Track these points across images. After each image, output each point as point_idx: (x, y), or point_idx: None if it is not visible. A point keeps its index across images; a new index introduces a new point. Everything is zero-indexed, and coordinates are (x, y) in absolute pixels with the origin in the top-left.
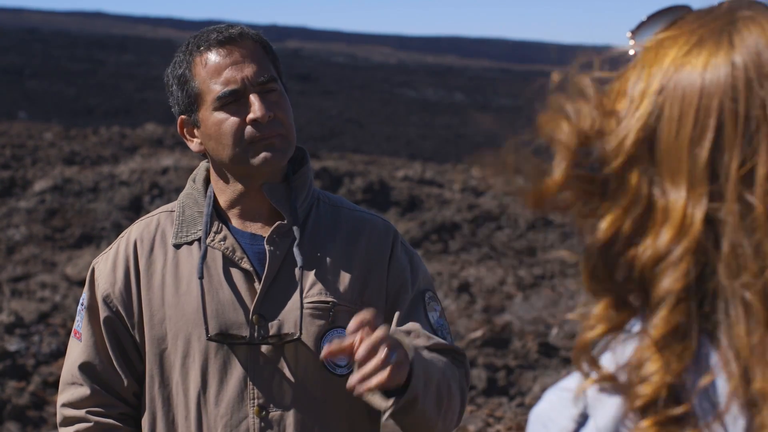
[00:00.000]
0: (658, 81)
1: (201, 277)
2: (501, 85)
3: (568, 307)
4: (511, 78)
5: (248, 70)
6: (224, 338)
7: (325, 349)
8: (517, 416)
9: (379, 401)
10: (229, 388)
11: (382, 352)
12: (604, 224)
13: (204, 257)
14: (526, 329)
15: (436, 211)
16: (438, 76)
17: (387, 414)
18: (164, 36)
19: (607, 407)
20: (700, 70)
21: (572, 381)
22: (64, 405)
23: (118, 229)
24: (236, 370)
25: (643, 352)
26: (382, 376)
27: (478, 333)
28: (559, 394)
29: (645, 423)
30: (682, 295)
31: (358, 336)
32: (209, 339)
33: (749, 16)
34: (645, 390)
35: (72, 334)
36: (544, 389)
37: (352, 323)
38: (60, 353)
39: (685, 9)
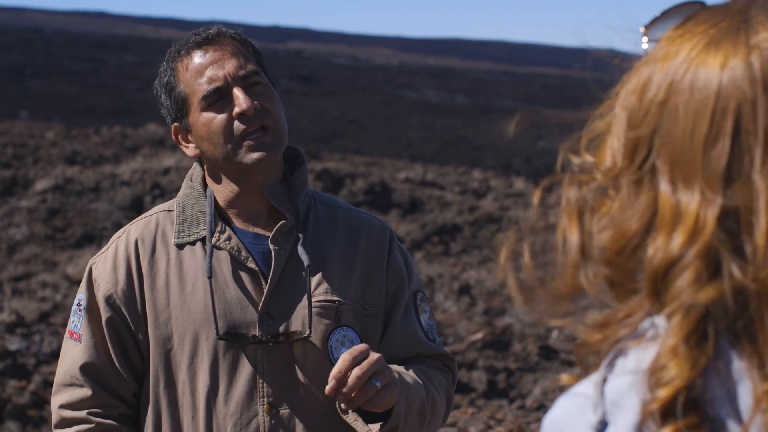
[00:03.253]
0: (670, 80)
1: (210, 277)
2: (503, 87)
3: (569, 309)
4: (512, 80)
5: (229, 66)
6: (234, 337)
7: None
8: (518, 419)
9: (361, 426)
10: (238, 387)
11: (362, 370)
12: (612, 229)
13: (211, 257)
14: (526, 332)
15: (437, 212)
16: (439, 78)
17: None
18: (166, 36)
19: (626, 413)
20: (717, 70)
21: (587, 386)
22: (62, 406)
23: (119, 228)
24: (245, 369)
25: (661, 358)
26: (361, 396)
27: (479, 335)
28: (575, 400)
29: (665, 430)
30: (697, 300)
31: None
32: (219, 338)
33: (764, 13)
34: (662, 394)
35: (67, 335)
36: (544, 392)
37: (346, 355)
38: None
39: (698, 5)
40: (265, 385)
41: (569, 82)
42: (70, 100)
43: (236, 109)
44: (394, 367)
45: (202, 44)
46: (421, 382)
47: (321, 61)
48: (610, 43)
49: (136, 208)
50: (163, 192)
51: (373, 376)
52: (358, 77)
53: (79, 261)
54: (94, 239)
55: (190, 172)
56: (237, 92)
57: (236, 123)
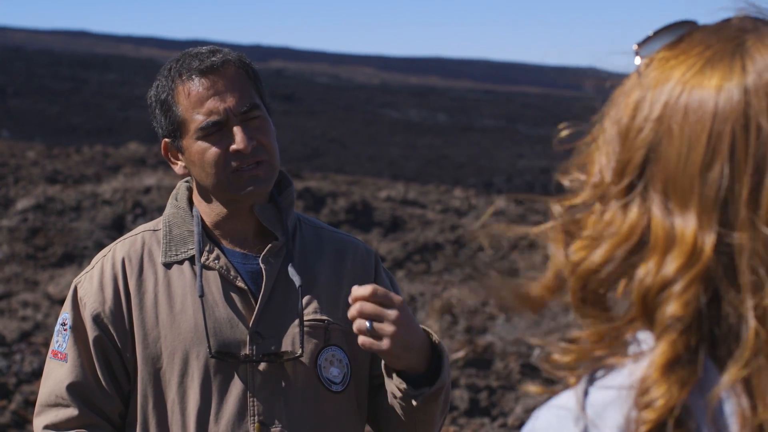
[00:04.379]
0: (664, 100)
1: (202, 296)
2: (484, 105)
3: (551, 327)
4: (494, 99)
5: (230, 101)
6: (225, 356)
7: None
8: None
9: (398, 384)
10: (229, 406)
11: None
12: (600, 250)
13: (201, 276)
14: (508, 350)
15: (418, 231)
16: (421, 97)
17: (419, 399)
18: (147, 55)
19: (609, 428)
20: (713, 93)
21: (567, 399)
22: (47, 427)
23: (101, 248)
24: (236, 388)
25: (648, 378)
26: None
27: (461, 353)
28: (555, 412)
29: None
30: (688, 322)
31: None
32: (212, 357)
33: (759, 38)
34: (649, 416)
35: (50, 355)
36: (526, 410)
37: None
38: (42, 372)
39: (691, 25)
40: (256, 403)
41: (551, 101)
42: (51, 119)
43: (234, 146)
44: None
45: (206, 72)
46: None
47: (302, 80)
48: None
49: (118, 227)
50: (144, 211)
51: (373, 318)
52: (339, 96)
53: (60, 280)
54: (75, 258)
55: (174, 191)
56: (236, 130)
57: (231, 158)
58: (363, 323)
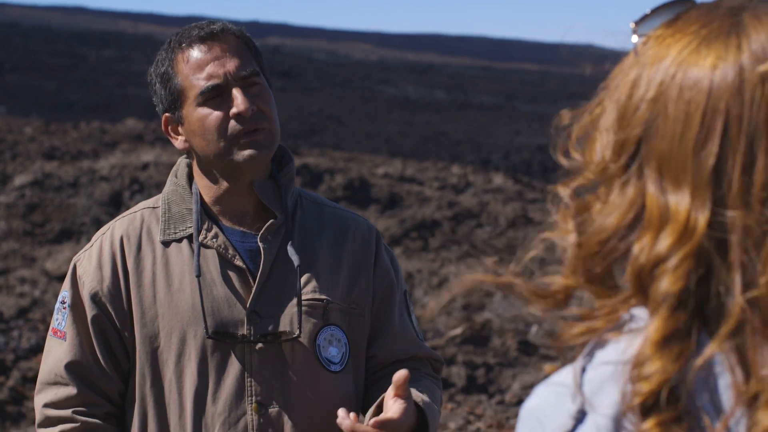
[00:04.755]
0: (660, 79)
1: (199, 275)
2: (482, 82)
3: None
4: (491, 75)
5: (230, 65)
6: (223, 336)
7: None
8: (497, 414)
9: None
10: (226, 386)
11: None
12: (595, 226)
13: (198, 255)
14: (505, 327)
15: (416, 208)
16: (418, 74)
17: None
18: (145, 32)
19: (606, 404)
20: (708, 70)
21: (565, 376)
22: (46, 405)
23: (98, 224)
24: (234, 368)
25: (642, 353)
26: None
27: (458, 330)
28: (553, 389)
29: (647, 424)
30: (682, 298)
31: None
32: (209, 337)
33: (755, 16)
34: (644, 388)
35: (51, 333)
36: (523, 387)
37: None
38: (39, 348)
39: (689, 3)
40: (253, 383)
41: (548, 78)
42: (48, 95)
43: (234, 110)
44: (416, 395)
45: (205, 39)
46: (436, 408)
47: (300, 57)
48: (591, 40)
49: (115, 203)
50: (142, 187)
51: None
52: (337, 73)
53: (57, 256)
54: (73, 235)
55: (174, 168)
56: (236, 93)
57: (232, 122)
58: None
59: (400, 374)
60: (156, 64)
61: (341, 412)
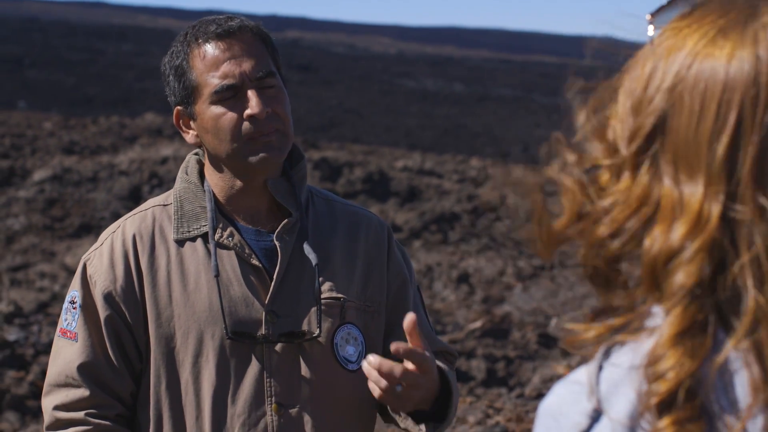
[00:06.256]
0: (676, 70)
1: (217, 275)
2: (500, 75)
3: (568, 297)
4: (510, 68)
5: (246, 65)
6: (242, 336)
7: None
8: (517, 407)
9: (411, 426)
10: (245, 387)
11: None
12: (609, 218)
13: (215, 255)
14: (525, 320)
15: (435, 201)
16: (437, 67)
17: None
18: (164, 26)
19: (622, 403)
20: (724, 62)
21: (582, 374)
22: (57, 407)
23: (117, 218)
24: (253, 368)
25: (658, 349)
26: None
27: (478, 324)
28: (570, 387)
29: (663, 422)
30: (697, 292)
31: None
32: (229, 337)
33: None
34: (660, 387)
35: (59, 333)
36: (543, 380)
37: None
38: None
39: None
40: (273, 383)
41: (567, 70)
42: (67, 90)
43: (248, 111)
44: (439, 363)
45: (223, 36)
46: (455, 387)
47: (319, 50)
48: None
49: (134, 197)
50: (161, 182)
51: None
52: (356, 66)
53: (77, 251)
54: (92, 229)
55: (184, 164)
56: (251, 94)
57: (245, 124)
58: (393, 386)
59: (409, 320)
60: (171, 55)
61: (370, 357)
